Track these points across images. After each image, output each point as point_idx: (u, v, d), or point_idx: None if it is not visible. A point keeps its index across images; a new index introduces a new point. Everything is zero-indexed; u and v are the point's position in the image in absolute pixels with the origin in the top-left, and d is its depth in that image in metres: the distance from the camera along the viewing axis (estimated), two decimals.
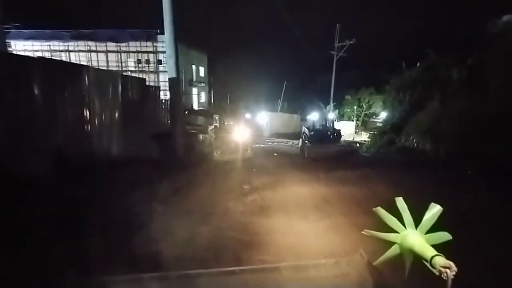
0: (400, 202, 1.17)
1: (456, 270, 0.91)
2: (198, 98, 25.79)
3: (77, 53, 20.47)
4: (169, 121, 8.65)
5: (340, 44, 22.40)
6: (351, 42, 21.86)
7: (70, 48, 20.67)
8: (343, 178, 6.73)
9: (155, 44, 20.86)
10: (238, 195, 5.31)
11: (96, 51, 20.82)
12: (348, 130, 23.88)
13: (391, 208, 1.17)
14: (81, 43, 20.66)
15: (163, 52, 19.63)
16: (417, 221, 1.12)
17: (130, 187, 4.71)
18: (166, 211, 4.29)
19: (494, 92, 8.14)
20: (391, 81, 14.64)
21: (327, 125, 12.81)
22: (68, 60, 18.03)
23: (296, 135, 18.39)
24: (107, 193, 4.30)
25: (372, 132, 16.51)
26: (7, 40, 11.86)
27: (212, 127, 11.01)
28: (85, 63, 17.54)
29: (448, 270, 0.90)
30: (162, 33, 7.87)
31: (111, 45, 20.91)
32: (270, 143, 18.00)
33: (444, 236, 1.07)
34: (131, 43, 21.04)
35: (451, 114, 9.40)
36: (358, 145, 15.74)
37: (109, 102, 6.49)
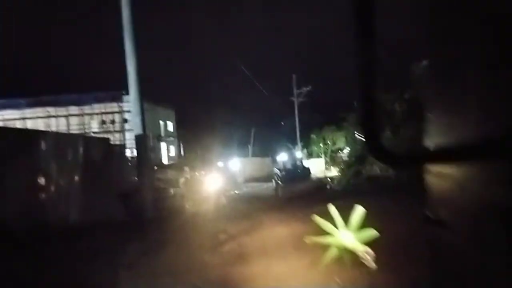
0: (331, 208, 1.31)
1: (373, 254, 1.07)
2: (167, 152, 25.46)
3: (34, 120, 19.71)
4: (136, 178, 8.31)
5: (298, 91, 24.84)
6: (308, 89, 24.41)
7: (27, 116, 19.91)
8: (319, 213, 6.78)
9: (120, 104, 21.06)
10: (214, 246, 5.01)
11: (56, 116, 20.28)
12: (318, 167, 24.75)
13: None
14: (39, 109, 20.09)
15: (129, 111, 19.79)
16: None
17: (91, 256, 4.22)
18: (133, 277, 3.86)
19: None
20: (348, 118, 16.15)
21: (297, 164, 13.29)
22: (22, 127, 17.16)
23: (270, 178, 18.54)
24: (62, 266, 3.78)
25: (340, 166, 17.34)
26: None
27: (183, 179, 10.76)
28: (43, 129, 16.81)
29: (367, 255, 1.10)
30: (128, 93, 8.12)
31: (73, 109, 20.62)
32: (245, 188, 17.79)
33: (371, 233, 1.21)
34: (95, 105, 21.01)
35: (402, 142, 10.43)
36: (329, 179, 16.27)
37: (68, 165, 6.18)
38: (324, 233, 1.30)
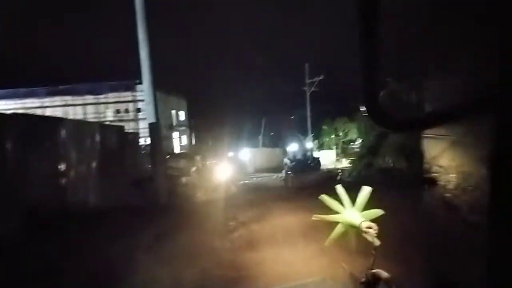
0: (339, 188, 1.36)
1: (377, 229, 1.13)
2: (179, 141, 25.89)
3: (53, 109, 20.43)
4: (150, 166, 8.58)
5: (310, 80, 24.41)
6: (320, 78, 23.93)
7: (46, 104, 20.64)
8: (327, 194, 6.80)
9: (133, 93, 21.43)
10: (224, 233, 5.18)
11: (74, 105, 20.93)
12: (329, 158, 24.55)
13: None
14: (57, 98, 20.76)
15: (143, 100, 20.12)
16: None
17: (109, 237, 4.48)
18: (149, 258, 4.08)
19: None
20: (361, 109, 15.78)
21: (307, 155, 13.25)
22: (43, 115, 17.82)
23: (279, 168, 18.61)
24: (83, 245, 4.05)
25: (352, 158, 17.15)
26: None
27: (194, 168, 11.00)
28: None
29: (371, 230, 1.14)
30: (141, 82, 8.29)
31: (89, 98, 21.18)
32: (254, 178, 17.97)
33: (377, 212, 1.25)
34: (110, 94, 21.46)
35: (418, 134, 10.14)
36: (340, 171, 16.17)
37: (86, 152, 6.44)
38: (331, 211, 1.36)
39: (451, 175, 0.91)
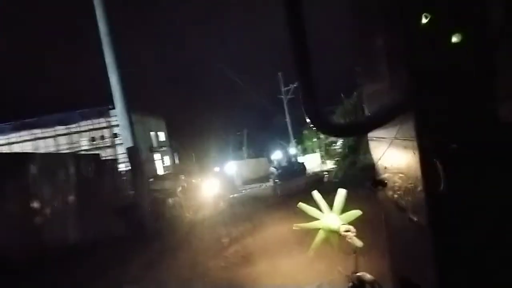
0: (316, 194, 1.35)
1: (355, 231, 1.13)
2: (162, 163, 25.20)
3: (21, 144, 19.21)
4: (132, 192, 8.21)
5: (286, 88, 25.04)
6: (295, 85, 24.58)
7: (13, 140, 19.39)
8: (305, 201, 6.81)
9: (108, 119, 20.72)
10: (218, 251, 4.99)
11: (44, 138, 19.82)
12: (314, 161, 24.88)
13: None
14: (24, 132, 19.59)
15: (118, 125, 19.39)
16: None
17: (94, 273, 4.14)
18: None
19: None
20: (336, 110, 16.33)
21: (292, 161, 13.35)
22: (8, 151, 16.69)
23: (267, 178, 18.54)
24: (65, 287, 3.70)
25: (336, 159, 17.49)
26: None
27: (180, 188, 10.67)
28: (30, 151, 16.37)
29: (349, 233, 1.16)
30: (114, 107, 8.01)
31: (60, 129, 20.18)
32: (243, 191, 17.75)
33: (356, 213, 1.25)
34: (82, 122, 20.60)
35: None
36: (326, 173, 16.40)
37: (60, 186, 6.04)
38: (311, 218, 1.36)
39: (394, 175, 0.94)
